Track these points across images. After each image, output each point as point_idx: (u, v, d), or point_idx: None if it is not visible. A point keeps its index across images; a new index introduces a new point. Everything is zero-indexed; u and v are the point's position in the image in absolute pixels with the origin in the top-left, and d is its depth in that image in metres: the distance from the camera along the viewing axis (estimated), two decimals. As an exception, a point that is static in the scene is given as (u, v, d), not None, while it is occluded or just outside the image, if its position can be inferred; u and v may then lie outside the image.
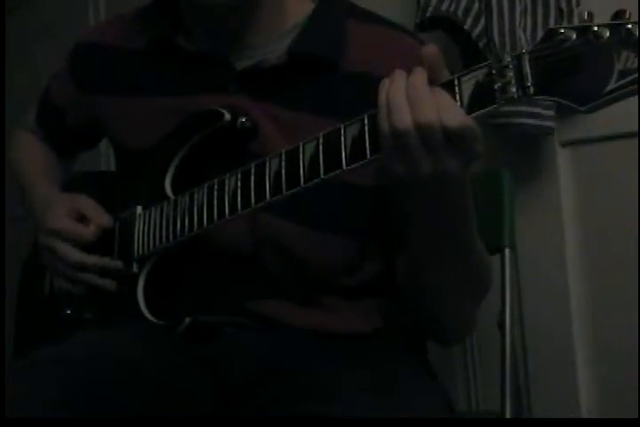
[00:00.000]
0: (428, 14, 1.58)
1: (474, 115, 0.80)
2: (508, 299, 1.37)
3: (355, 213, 1.08)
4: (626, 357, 1.52)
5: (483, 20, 1.53)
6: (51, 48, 2.72)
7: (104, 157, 2.01)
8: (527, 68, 0.76)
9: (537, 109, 1.50)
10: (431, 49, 0.84)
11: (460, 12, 1.56)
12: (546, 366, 1.62)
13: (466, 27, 1.55)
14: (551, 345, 1.62)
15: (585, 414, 1.59)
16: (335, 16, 1.10)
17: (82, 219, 1.17)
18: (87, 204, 1.19)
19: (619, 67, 0.72)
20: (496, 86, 0.78)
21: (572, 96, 0.75)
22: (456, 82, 0.82)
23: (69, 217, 1.17)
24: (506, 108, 1.50)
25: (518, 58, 0.77)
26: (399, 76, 0.84)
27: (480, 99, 0.80)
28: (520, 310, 1.61)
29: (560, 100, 0.75)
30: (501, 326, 1.35)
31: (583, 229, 1.61)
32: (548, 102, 1.50)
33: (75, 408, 0.92)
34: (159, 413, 0.99)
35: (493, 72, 0.78)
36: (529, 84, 0.76)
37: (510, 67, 0.77)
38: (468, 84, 0.81)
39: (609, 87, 0.72)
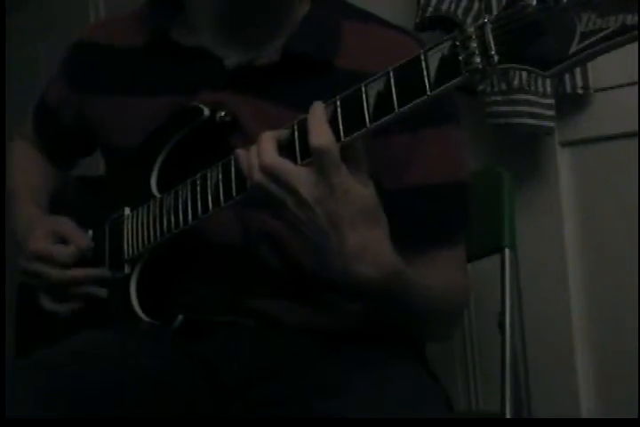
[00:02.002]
0: (427, 14, 1.58)
1: (442, 88, 0.81)
2: (508, 299, 1.37)
3: None
4: (626, 357, 1.52)
5: (483, 20, 1.53)
6: (51, 48, 2.73)
7: (103, 161, 2.01)
8: (490, 38, 0.76)
9: (537, 109, 1.50)
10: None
11: (459, 12, 1.56)
12: (546, 366, 1.62)
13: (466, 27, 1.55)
14: (551, 345, 1.62)
15: (585, 414, 1.59)
16: (331, 15, 1.10)
17: (63, 240, 1.18)
18: (65, 226, 1.20)
19: (580, 29, 0.72)
20: (460, 58, 0.78)
21: (535, 62, 0.75)
22: (422, 57, 0.82)
23: (48, 239, 1.18)
24: (506, 108, 1.51)
25: (481, 28, 0.77)
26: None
27: (446, 72, 0.80)
28: (520, 310, 1.61)
29: (524, 66, 0.76)
30: (501, 326, 1.35)
31: (583, 229, 1.61)
32: (547, 102, 1.51)
33: (74, 408, 0.92)
34: (157, 412, 0.99)
35: (457, 44, 0.79)
36: (492, 52, 0.76)
37: (473, 37, 0.78)
38: (433, 59, 0.81)
39: (572, 50, 0.72)
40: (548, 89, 1.50)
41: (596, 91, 1.54)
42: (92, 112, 1.20)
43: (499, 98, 1.51)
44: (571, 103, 1.56)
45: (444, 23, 1.59)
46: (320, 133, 0.86)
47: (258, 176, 0.89)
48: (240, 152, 0.92)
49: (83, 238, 1.18)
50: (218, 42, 1.11)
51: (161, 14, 1.14)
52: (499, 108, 1.51)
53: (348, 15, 1.11)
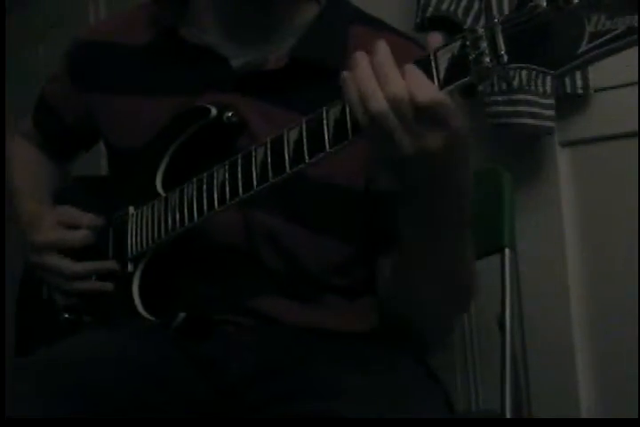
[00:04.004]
0: (427, 14, 1.58)
1: (450, 87, 0.81)
2: (508, 299, 1.37)
3: (346, 214, 1.08)
4: (626, 357, 1.52)
5: (483, 20, 1.53)
6: (51, 48, 2.73)
7: (105, 160, 2.02)
8: (500, 38, 0.77)
9: (537, 109, 1.50)
10: (436, 39, 0.85)
11: (459, 12, 1.56)
12: (546, 366, 1.62)
13: (466, 27, 1.55)
14: (551, 345, 1.62)
15: (585, 414, 1.59)
16: (340, 21, 1.11)
17: (69, 228, 1.18)
18: (69, 211, 1.20)
19: (589, 29, 0.73)
20: (470, 57, 0.79)
21: (544, 61, 0.76)
22: (432, 56, 0.83)
23: (56, 229, 1.18)
24: (506, 108, 1.51)
25: (491, 28, 0.78)
26: (361, 58, 0.84)
27: (455, 71, 0.81)
28: (520, 310, 1.61)
29: (533, 65, 0.77)
30: (501, 326, 1.35)
31: (583, 229, 1.61)
32: (547, 102, 1.51)
33: (74, 408, 0.92)
34: (158, 412, 0.99)
35: (467, 44, 0.80)
36: (502, 52, 0.77)
37: (484, 37, 0.79)
38: (443, 58, 0.82)
39: (580, 50, 0.74)
40: (548, 89, 1.50)
41: (596, 91, 1.54)
42: (97, 111, 1.20)
43: (499, 98, 1.51)
44: (571, 103, 1.56)
45: (444, 23, 1.59)
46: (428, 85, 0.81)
47: (381, 106, 0.81)
48: (346, 74, 0.84)
49: (91, 218, 1.18)
50: (224, 41, 1.11)
51: (169, 12, 1.14)
52: (499, 108, 1.51)
53: (357, 21, 1.11)
